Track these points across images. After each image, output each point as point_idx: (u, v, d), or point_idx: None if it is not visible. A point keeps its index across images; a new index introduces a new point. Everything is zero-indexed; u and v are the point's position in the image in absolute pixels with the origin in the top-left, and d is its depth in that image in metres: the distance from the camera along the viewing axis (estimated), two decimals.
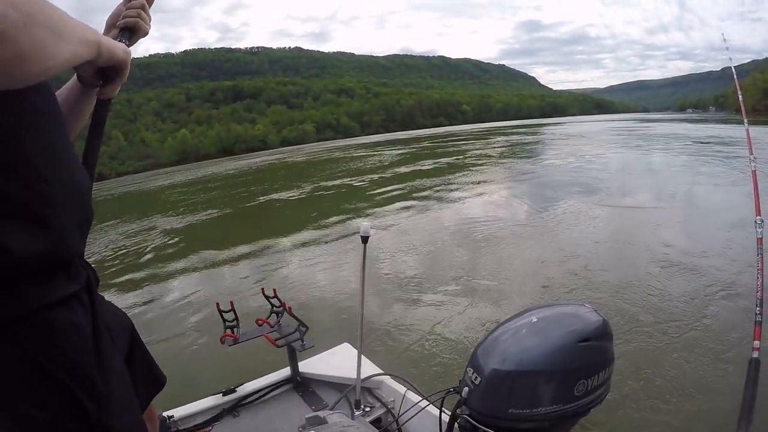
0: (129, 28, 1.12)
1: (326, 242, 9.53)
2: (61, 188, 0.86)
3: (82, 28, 0.80)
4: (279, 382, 2.30)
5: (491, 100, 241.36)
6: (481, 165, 22.73)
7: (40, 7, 0.66)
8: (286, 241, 10.01)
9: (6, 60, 0.60)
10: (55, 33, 0.68)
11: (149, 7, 1.17)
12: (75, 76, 1.11)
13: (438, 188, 15.78)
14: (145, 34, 1.15)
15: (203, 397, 2.17)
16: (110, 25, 1.16)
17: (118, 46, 0.96)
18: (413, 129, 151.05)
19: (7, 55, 0.59)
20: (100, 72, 0.98)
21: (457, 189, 15.21)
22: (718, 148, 21.99)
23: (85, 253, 0.99)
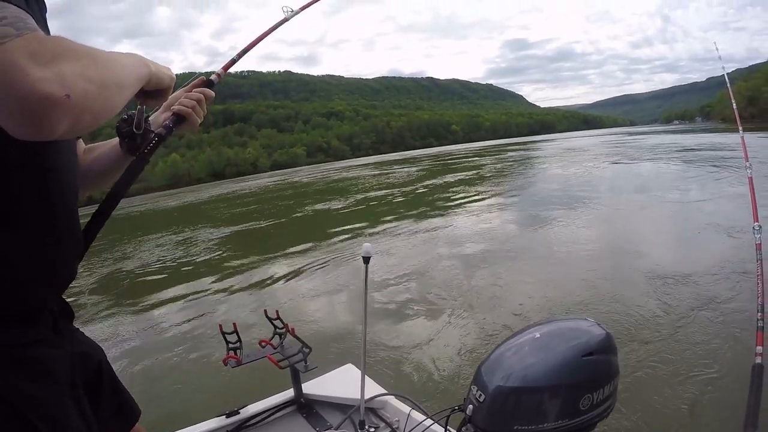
0: (181, 116, 1.19)
1: (330, 263, 9.46)
2: (38, 249, 0.89)
3: (137, 68, 0.90)
4: (282, 404, 2.27)
5: (480, 120, 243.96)
6: (490, 179, 23.02)
7: (112, 71, 0.77)
8: (289, 263, 9.97)
9: (86, 125, 0.71)
10: (120, 86, 0.79)
11: (207, 102, 1.25)
12: (116, 139, 1.19)
13: (441, 205, 15.91)
14: (194, 126, 1.22)
15: (207, 419, 2.15)
16: (166, 107, 1.23)
17: (164, 75, 1.03)
18: (403, 150, 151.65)
19: (87, 121, 0.70)
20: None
21: (461, 205, 15.27)
22: (709, 155, 22.38)
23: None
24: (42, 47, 0.63)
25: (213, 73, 1.36)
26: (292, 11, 1.72)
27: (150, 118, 1.20)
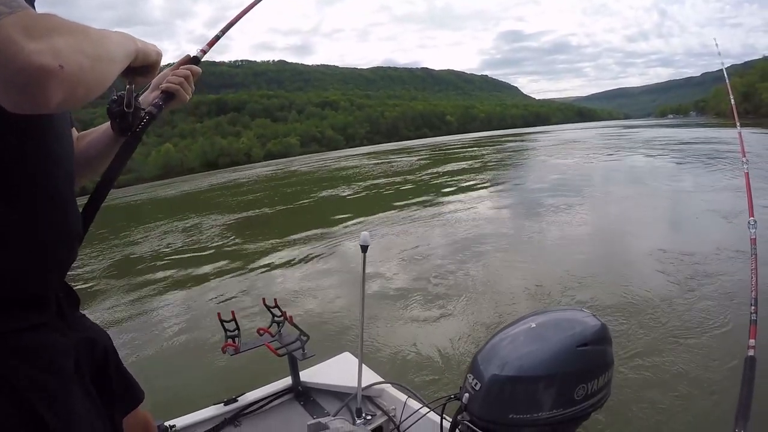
0: (170, 93, 1.21)
1: (328, 252, 9.50)
2: (37, 235, 0.90)
3: (126, 44, 0.92)
4: (280, 392, 2.28)
5: (475, 111, 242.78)
6: (491, 169, 23.23)
7: (103, 45, 0.80)
8: (288, 250, 10.01)
9: (80, 97, 0.74)
10: (111, 60, 0.83)
11: (194, 78, 1.27)
12: (108, 123, 1.21)
13: (442, 193, 15.98)
14: (184, 102, 1.24)
15: (205, 407, 2.16)
16: (155, 86, 1.24)
17: (151, 50, 1.04)
18: (397, 140, 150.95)
19: (81, 93, 0.73)
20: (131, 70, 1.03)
21: (461, 194, 15.36)
22: (704, 149, 22.59)
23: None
24: (35, 23, 0.66)
25: (198, 49, 1.38)
26: None
27: (140, 99, 1.22)
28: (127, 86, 1.13)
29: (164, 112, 1.23)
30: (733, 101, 2.22)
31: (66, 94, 0.69)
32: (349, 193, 20.18)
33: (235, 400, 2.18)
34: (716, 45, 2.47)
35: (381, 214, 12.99)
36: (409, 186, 19.93)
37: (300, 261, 9.03)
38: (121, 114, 1.16)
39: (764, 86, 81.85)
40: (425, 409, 1.64)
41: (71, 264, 1.03)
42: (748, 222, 1.46)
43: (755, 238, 1.40)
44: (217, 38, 1.47)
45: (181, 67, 1.27)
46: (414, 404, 1.89)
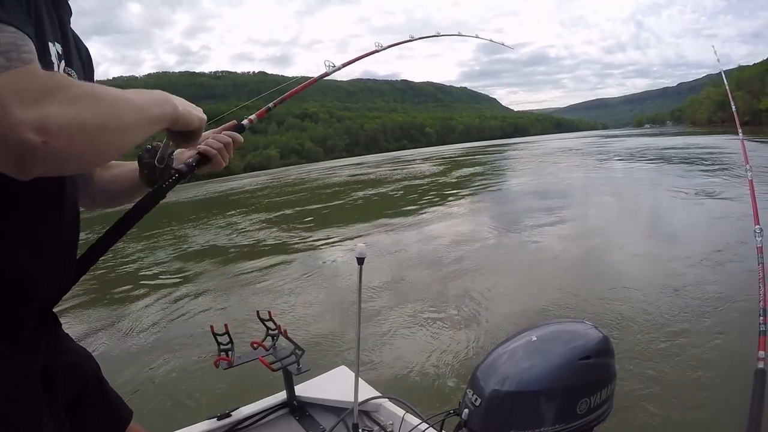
0: (206, 156, 1.17)
1: (323, 264, 9.45)
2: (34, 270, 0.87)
3: (153, 109, 0.86)
4: (275, 406, 2.24)
5: (454, 123, 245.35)
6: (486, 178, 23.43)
7: (116, 113, 0.74)
8: (281, 264, 9.83)
9: (71, 168, 0.73)
10: (122, 129, 0.75)
11: (235, 147, 1.23)
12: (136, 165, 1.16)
13: (437, 205, 15.91)
14: (219, 168, 1.20)
15: (198, 422, 2.11)
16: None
17: (194, 117, 1.00)
18: (377, 152, 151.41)
19: (72, 166, 0.71)
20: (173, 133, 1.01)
21: (455, 205, 15.40)
22: (685, 155, 23.23)
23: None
24: (31, 84, 0.62)
25: (245, 117, 1.36)
26: (333, 66, 1.82)
27: (174, 153, 1.18)
28: (166, 141, 1.09)
29: (195, 172, 1.18)
30: (734, 108, 2.23)
31: (48, 169, 0.65)
32: (353, 203, 20.25)
33: (228, 415, 2.14)
34: (715, 53, 2.50)
35: (376, 227, 12.88)
36: (408, 197, 19.94)
37: (296, 272, 8.91)
38: (150, 166, 1.12)
39: (739, 95, 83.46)
40: (424, 425, 1.61)
41: (53, 301, 0.98)
42: (754, 230, 1.45)
43: (761, 247, 1.39)
44: (268, 109, 1.48)
45: (224, 132, 1.24)
46: (412, 419, 1.86)
